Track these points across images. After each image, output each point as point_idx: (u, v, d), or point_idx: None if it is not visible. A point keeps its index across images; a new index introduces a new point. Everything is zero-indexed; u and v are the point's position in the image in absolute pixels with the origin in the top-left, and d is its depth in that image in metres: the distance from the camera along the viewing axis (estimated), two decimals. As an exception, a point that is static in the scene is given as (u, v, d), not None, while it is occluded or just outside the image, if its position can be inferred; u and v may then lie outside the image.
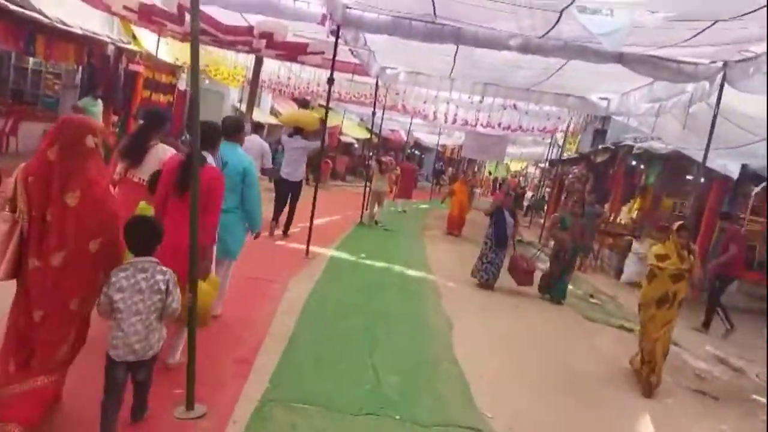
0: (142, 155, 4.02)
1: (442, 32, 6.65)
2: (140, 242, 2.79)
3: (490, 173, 43.01)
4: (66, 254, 2.59)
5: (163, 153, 4.02)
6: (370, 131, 27.85)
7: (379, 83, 11.73)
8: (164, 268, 2.79)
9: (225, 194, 3.63)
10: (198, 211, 3.05)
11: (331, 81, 8.17)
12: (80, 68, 11.76)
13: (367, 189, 12.59)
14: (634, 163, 11.89)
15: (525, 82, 10.16)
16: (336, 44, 7.50)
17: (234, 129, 4.47)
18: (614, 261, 11.02)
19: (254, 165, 4.55)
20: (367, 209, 12.29)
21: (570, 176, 13.06)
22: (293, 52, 9.75)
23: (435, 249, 10.86)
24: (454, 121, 12.52)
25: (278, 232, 8.73)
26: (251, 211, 4.48)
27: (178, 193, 3.36)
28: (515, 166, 44.46)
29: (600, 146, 13.29)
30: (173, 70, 14.06)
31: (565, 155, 20.03)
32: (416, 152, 38.84)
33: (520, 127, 12.83)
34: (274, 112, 21.90)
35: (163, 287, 2.73)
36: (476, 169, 50.60)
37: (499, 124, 12.70)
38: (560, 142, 18.03)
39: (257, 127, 9.23)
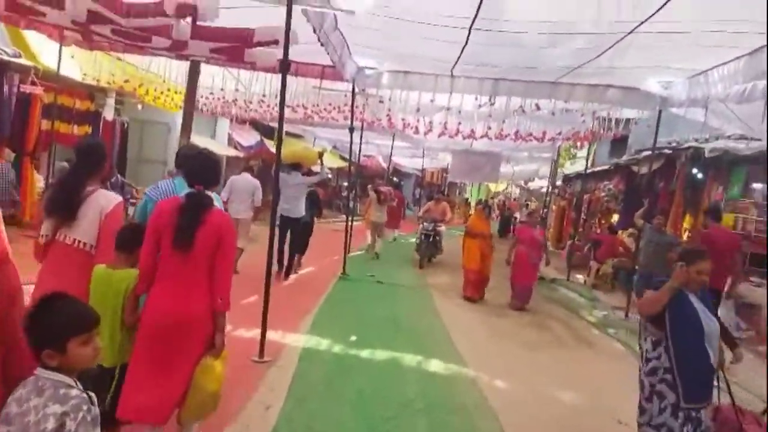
0: (76, 207, 3.01)
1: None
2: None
3: (467, 200, 40.66)
4: None
5: (106, 201, 3.08)
6: (346, 159, 25.34)
7: (357, 90, 8.96)
8: (72, 393, 1.73)
9: None
10: (204, 268, 2.68)
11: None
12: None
13: (353, 224, 9.80)
14: (695, 170, 9.17)
15: (553, 71, 7.49)
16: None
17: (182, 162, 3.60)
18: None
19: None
20: (368, 242, 12.37)
21: (602, 194, 10.41)
22: (233, 46, 6.86)
23: (454, 315, 7.56)
24: (456, 133, 9.74)
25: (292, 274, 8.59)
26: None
27: (180, 250, 2.67)
28: (495, 188, 42.07)
29: (638, 152, 10.59)
30: (90, 93, 11.08)
31: (567, 170, 17.58)
32: (394, 179, 36.26)
33: (531, 134, 10.12)
34: (233, 143, 18.94)
35: (51, 427, 1.66)
36: (457, 192, 48.44)
37: (503, 134, 9.99)
38: (569, 154, 15.57)
39: (249, 167, 9.63)
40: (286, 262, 8.56)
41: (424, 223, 11.34)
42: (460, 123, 9.24)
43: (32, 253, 3.11)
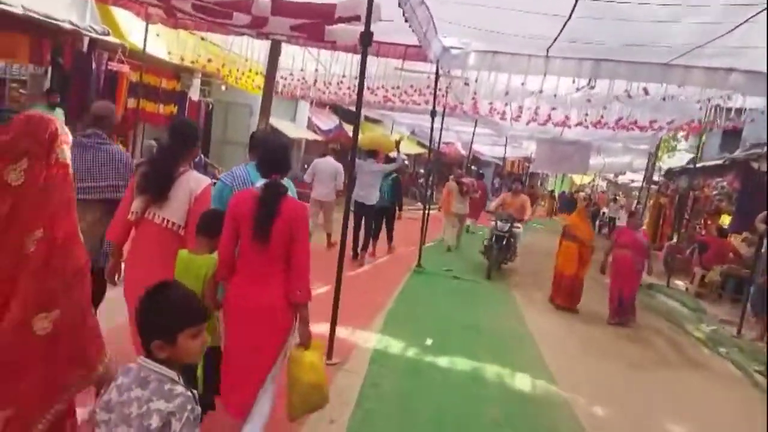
0: (167, 187, 2.97)
1: None
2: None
3: (552, 192, 38.77)
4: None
5: (195, 183, 3.03)
6: (425, 145, 24.74)
7: (441, 71, 8.38)
8: (177, 390, 1.67)
9: None
10: (280, 258, 2.64)
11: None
12: (49, 71, 8.97)
13: (429, 213, 9.42)
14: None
15: (667, 51, 6.57)
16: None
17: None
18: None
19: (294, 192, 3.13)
20: (443, 233, 11.92)
21: (714, 192, 9.20)
22: (314, 23, 6.50)
23: (541, 323, 6.78)
24: (547, 120, 8.92)
25: (369, 258, 8.76)
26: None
27: (258, 242, 2.62)
28: (580, 180, 39.89)
29: (755, 147, 9.28)
30: (176, 73, 11.20)
31: (666, 163, 16.15)
32: (473, 167, 35.10)
33: (636, 122, 9.09)
34: (312, 127, 18.89)
35: (155, 425, 1.61)
36: (539, 183, 46.42)
37: (602, 122, 9.00)
38: (669, 145, 14.24)
39: (331, 150, 9.63)
40: (360, 248, 8.66)
41: (498, 222, 9.06)
42: (553, 109, 8.41)
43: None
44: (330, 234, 8.77)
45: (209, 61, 9.66)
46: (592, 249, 7.75)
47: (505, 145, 20.50)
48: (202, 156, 11.06)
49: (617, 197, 26.84)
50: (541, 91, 7.90)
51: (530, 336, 6.05)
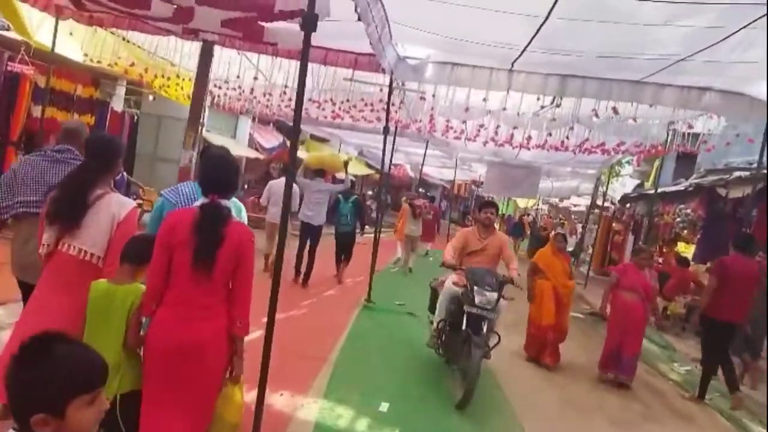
0: (82, 213, 2.69)
1: None
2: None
3: (503, 216, 38.84)
4: None
5: (118, 208, 2.76)
6: (374, 167, 23.95)
7: (395, 84, 7.59)
8: None
9: None
10: (222, 288, 2.43)
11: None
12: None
13: (378, 237, 8.36)
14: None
15: (643, 65, 6.02)
16: None
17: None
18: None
19: (243, 212, 3.25)
20: (399, 254, 11.65)
21: (677, 218, 8.74)
22: (249, 18, 5.54)
23: (515, 378, 5.66)
24: (509, 140, 8.22)
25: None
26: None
27: (202, 269, 2.37)
28: (522, 203, 40.25)
29: (710, 172, 8.93)
30: (95, 79, 9.91)
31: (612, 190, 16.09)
32: (420, 189, 34.61)
33: (603, 144, 8.55)
34: (254, 144, 17.73)
35: None
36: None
37: (565, 144, 8.43)
38: (614, 170, 14.13)
39: (273, 169, 9.32)
40: (304, 269, 8.40)
41: (476, 290, 4.80)
42: (515, 128, 7.73)
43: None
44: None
45: (132, 65, 8.45)
46: (572, 288, 6.51)
47: (455, 168, 20.01)
48: (125, 174, 9.81)
49: (564, 221, 26.91)
50: (504, 109, 7.21)
51: (505, 399, 5.06)
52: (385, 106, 7.73)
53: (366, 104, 8.24)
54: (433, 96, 7.46)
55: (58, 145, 3.24)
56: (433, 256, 15.60)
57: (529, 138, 8.10)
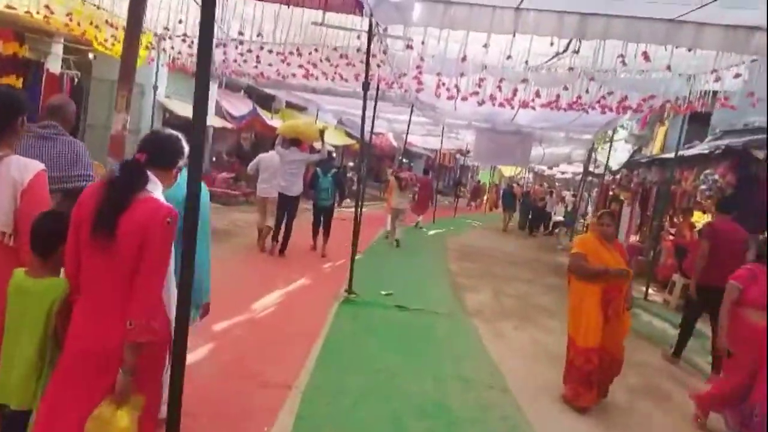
0: None
1: None
2: None
3: (479, 181, 37.74)
4: None
5: (19, 172, 2.30)
6: (352, 136, 22.49)
7: (375, 29, 6.21)
8: None
9: None
10: (128, 276, 1.94)
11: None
12: None
13: (360, 214, 7.05)
14: None
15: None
16: None
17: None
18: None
19: (206, 196, 2.70)
20: (386, 227, 11.65)
21: (703, 186, 7.59)
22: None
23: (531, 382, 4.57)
24: (512, 97, 6.90)
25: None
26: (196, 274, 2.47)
27: (98, 241, 1.96)
28: (507, 172, 39.17)
29: (725, 134, 7.74)
30: (19, 34, 8.35)
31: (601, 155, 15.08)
32: (403, 160, 32.99)
33: (625, 100, 7.27)
34: (221, 113, 16.17)
35: None
36: (469, 176, 45.31)
37: (579, 102, 7.15)
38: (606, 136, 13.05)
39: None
40: (280, 240, 8.41)
41: None
42: (523, 81, 6.38)
43: None
44: (269, 227, 8.45)
45: (51, 13, 6.90)
46: (630, 296, 4.43)
47: (442, 135, 18.70)
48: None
49: (553, 190, 25.82)
50: (509, 57, 5.88)
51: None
52: (364, 59, 6.38)
53: (341, 56, 6.84)
54: (423, 43, 6.08)
55: (43, 121, 3.08)
56: (423, 230, 15.11)
57: (538, 94, 6.78)
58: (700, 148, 8.95)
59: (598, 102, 6.87)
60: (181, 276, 2.35)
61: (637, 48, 5.67)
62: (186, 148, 2.28)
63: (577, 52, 5.83)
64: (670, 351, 6.01)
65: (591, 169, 20.49)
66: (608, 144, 20.39)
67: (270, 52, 7.18)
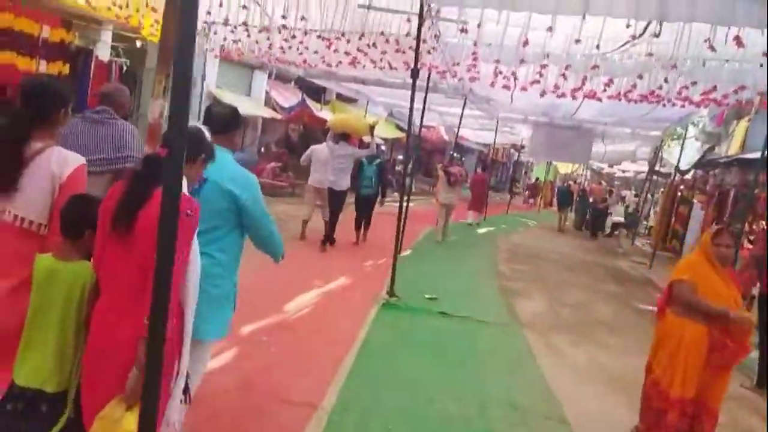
0: (16, 172, 2.21)
1: None
2: None
3: (537, 179, 36.36)
4: None
5: (59, 165, 2.27)
6: (403, 129, 21.94)
7: (426, 12, 5.70)
8: None
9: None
10: (141, 272, 1.88)
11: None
12: None
13: (406, 210, 6.63)
14: None
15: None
16: None
17: (222, 126, 2.69)
18: None
19: (257, 185, 2.72)
20: (436, 225, 11.38)
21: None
22: None
23: None
24: (578, 89, 6.24)
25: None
26: (270, 248, 2.85)
27: (117, 229, 1.95)
28: (563, 169, 37.55)
29: None
30: (65, 20, 8.33)
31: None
32: (454, 154, 32.12)
33: (712, 91, 6.42)
34: (271, 103, 16.03)
35: None
36: (523, 172, 43.90)
37: (656, 94, 6.38)
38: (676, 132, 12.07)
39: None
40: (328, 239, 8.45)
41: None
42: (595, 67, 5.71)
43: None
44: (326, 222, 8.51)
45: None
46: (749, 346, 3.51)
47: (496, 129, 17.95)
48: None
49: (612, 190, 24.48)
50: (577, 41, 5.24)
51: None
52: (413, 45, 5.89)
53: (388, 42, 6.36)
54: (478, 26, 5.53)
55: (98, 107, 3.31)
56: (477, 224, 14.73)
57: (608, 83, 6.06)
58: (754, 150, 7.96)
59: (679, 93, 6.08)
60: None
61: (728, 32, 4.94)
62: (209, 141, 2.30)
63: (657, 35, 5.11)
64: (752, 380, 5.28)
65: (657, 168, 19.20)
66: (678, 141, 19.03)
67: (317, 37, 6.79)
